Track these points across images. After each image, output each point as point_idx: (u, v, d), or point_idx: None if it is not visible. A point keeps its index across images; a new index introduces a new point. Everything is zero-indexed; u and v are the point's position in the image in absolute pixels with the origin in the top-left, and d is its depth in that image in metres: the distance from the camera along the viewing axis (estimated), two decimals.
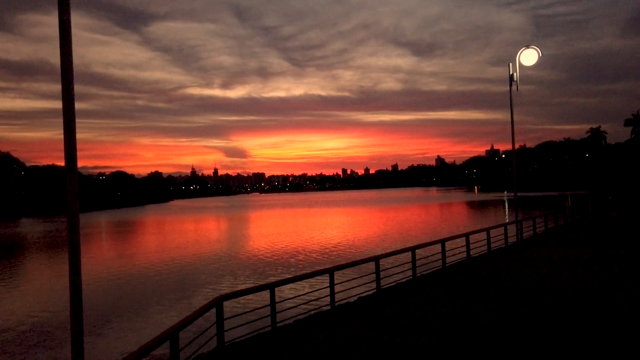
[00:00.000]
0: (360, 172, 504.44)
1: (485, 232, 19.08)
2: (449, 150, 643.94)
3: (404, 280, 14.56)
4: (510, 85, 21.27)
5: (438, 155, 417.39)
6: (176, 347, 6.88)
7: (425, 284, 13.85)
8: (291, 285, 18.40)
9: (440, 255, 16.13)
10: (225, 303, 9.20)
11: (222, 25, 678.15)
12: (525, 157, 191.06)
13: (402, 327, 9.82)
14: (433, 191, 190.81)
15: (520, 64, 20.91)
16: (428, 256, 16.07)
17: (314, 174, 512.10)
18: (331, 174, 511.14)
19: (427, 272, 15.49)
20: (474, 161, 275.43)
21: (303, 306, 11.86)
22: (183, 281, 23.36)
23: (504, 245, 20.48)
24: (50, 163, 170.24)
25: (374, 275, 13.13)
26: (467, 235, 17.76)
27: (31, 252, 39.48)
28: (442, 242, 16.07)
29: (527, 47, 20.93)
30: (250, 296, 17.31)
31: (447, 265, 16.12)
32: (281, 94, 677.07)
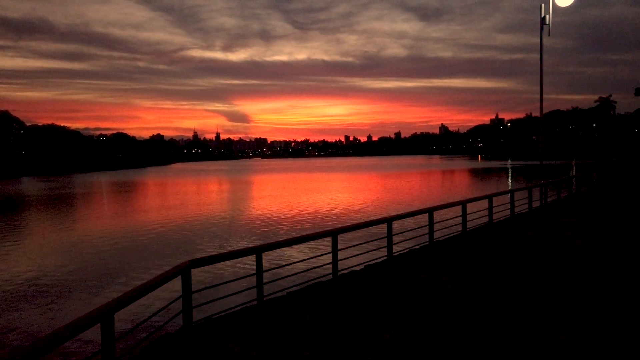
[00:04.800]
0: (363, 139, 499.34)
1: (509, 194, 16.88)
2: (453, 118, 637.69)
3: (418, 246, 12.46)
4: (542, 30, 18.71)
5: (442, 124, 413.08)
6: (110, 332, 4.78)
7: (443, 251, 11.77)
8: (283, 250, 16.33)
9: (459, 220, 13.98)
10: (197, 271, 7.10)
11: None
12: (532, 125, 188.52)
13: (415, 301, 7.77)
14: (436, 159, 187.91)
15: (554, 5, 18.33)
16: (445, 220, 13.91)
17: (316, 140, 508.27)
18: (334, 141, 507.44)
19: (445, 237, 13.38)
20: (478, 130, 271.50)
21: (298, 275, 9.78)
22: (168, 245, 21.35)
23: (527, 210, 18.32)
24: (50, 122, 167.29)
25: (385, 239, 11.01)
26: (490, 198, 15.55)
27: (32, 210, 37.97)
28: (463, 203, 13.88)
29: None
30: (231, 264, 15.26)
31: (467, 229, 14.00)
32: (284, 58, 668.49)
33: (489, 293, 8.10)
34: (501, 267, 9.89)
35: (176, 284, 6.98)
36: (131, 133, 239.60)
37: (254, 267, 7.90)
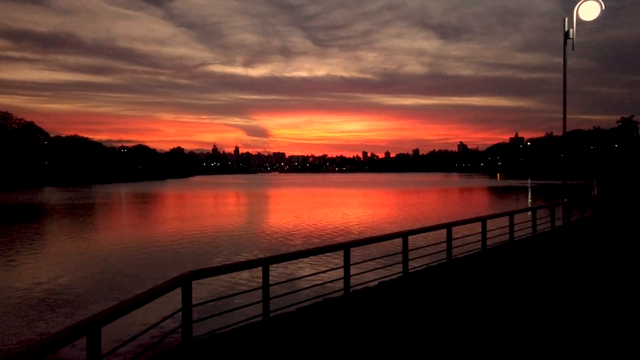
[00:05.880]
0: (381, 155, 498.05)
1: (530, 211, 16.25)
2: (471, 136, 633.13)
3: (435, 263, 11.93)
4: (565, 43, 18.15)
5: (460, 142, 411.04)
6: (96, 347, 4.40)
7: (462, 269, 11.21)
8: (292, 263, 15.82)
9: (479, 236, 13.40)
10: (200, 284, 6.72)
11: (246, 2, 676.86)
12: (552, 145, 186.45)
13: (433, 321, 7.24)
14: (454, 176, 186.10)
15: (578, 18, 17.78)
16: (464, 236, 13.34)
17: (334, 156, 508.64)
18: (351, 156, 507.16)
19: (464, 254, 12.81)
20: (497, 148, 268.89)
21: (308, 291, 9.33)
22: (178, 255, 21.03)
23: (549, 229, 17.61)
24: (74, 134, 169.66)
25: (401, 255, 10.52)
26: (511, 214, 14.95)
27: (49, 219, 38.04)
28: (483, 220, 13.32)
29: None
30: (236, 276, 14.53)
31: (487, 247, 13.41)
32: (303, 74, 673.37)
33: (511, 316, 7.55)
34: (524, 289, 9.30)
35: (177, 297, 6.59)
36: (152, 145, 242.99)
37: (261, 280, 7.49)
